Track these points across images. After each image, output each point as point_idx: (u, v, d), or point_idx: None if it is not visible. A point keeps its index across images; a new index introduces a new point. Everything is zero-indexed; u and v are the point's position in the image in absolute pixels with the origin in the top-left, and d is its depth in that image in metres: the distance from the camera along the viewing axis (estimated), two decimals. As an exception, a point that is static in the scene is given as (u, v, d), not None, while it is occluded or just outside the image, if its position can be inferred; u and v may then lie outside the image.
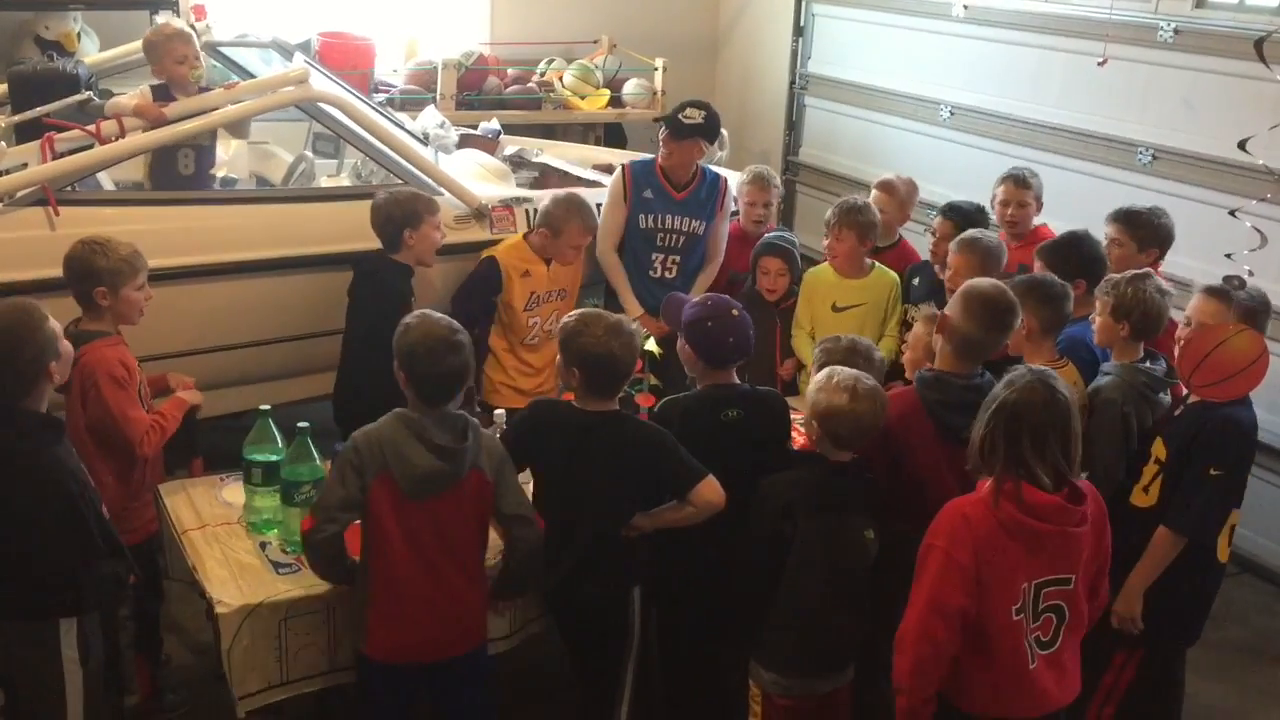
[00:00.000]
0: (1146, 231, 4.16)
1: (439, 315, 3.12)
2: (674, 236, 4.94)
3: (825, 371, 3.24)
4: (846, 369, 3.25)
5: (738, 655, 3.37)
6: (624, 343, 3.23)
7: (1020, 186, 4.71)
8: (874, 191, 5.10)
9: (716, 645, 3.51)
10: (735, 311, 3.49)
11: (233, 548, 3.35)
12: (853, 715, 3.35)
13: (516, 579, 3.25)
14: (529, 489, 3.32)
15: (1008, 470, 2.67)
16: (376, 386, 4.16)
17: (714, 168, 5.16)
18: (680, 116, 4.82)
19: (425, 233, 4.23)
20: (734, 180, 5.27)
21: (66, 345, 3.05)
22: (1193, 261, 4.68)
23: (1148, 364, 3.56)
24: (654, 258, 4.95)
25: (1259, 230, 4.43)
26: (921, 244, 5.14)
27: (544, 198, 4.74)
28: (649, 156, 5.14)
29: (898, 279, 4.68)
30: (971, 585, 2.65)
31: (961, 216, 4.64)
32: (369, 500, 2.99)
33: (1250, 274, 4.05)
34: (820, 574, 3.15)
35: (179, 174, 4.72)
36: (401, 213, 4.21)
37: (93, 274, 3.46)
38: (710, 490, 3.18)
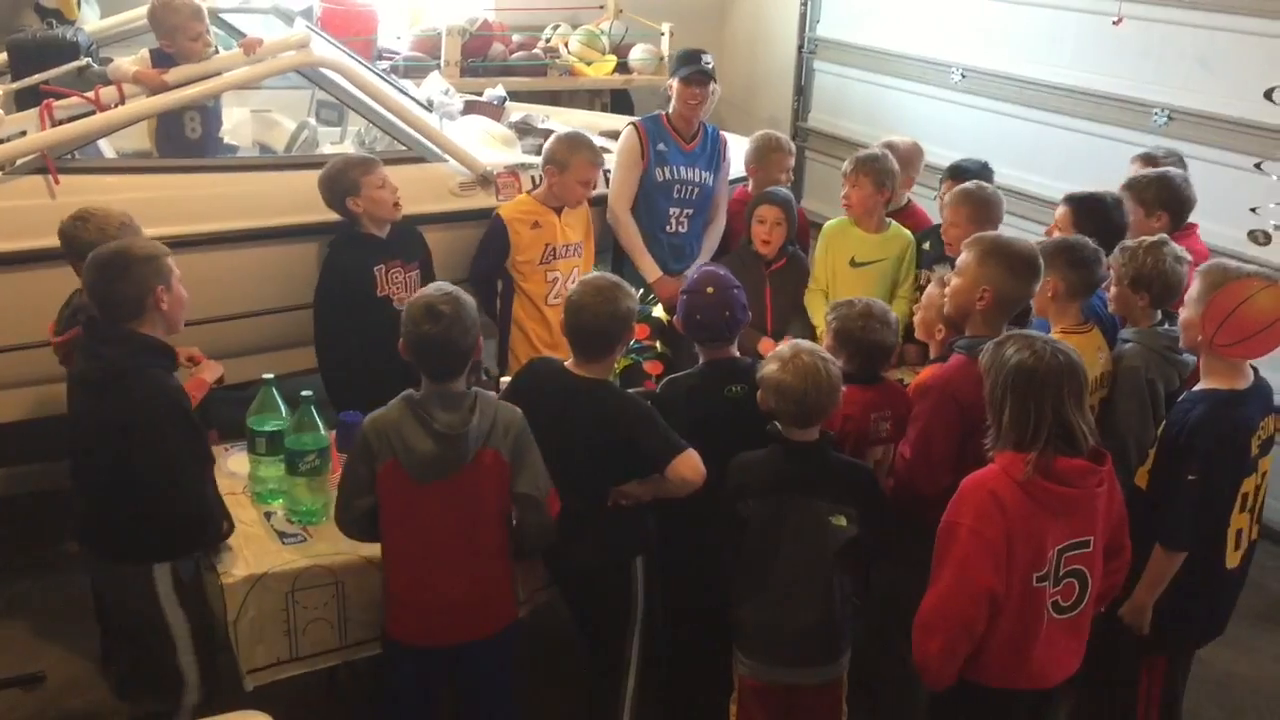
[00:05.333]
0: (1148, 194, 4.03)
1: (438, 284, 3.08)
2: (689, 188, 4.95)
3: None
4: (807, 343, 3.16)
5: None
6: (605, 304, 3.14)
7: (1148, 165, 4.44)
8: None
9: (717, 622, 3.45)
10: (710, 289, 3.43)
11: (238, 518, 3.30)
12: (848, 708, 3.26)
13: (523, 552, 3.21)
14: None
15: (1049, 442, 2.59)
16: (329, 358, 4.25)
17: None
18: (701, 65, 4.85)
19: (368, 195, 4.16)
20: (743, 145, 5.21)
21: (180, 289, 3.08)
22: (1209, 223, 4.58)
23: (1165, 325, 3.50)
24: (670, 212, 4.96)
25: (1284, 183, 4.34)
26: (932, 209, 5.07)
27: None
28: (654, 113, 5.10)
29: (913, 239, 4.62)
30: (1002, 564, 2.59)
31: (968, 177, 4.56)
32: (379, 484, 2.96)
33: (1277, 228, 3.98)
34: (776, 558, 3.07)
35: (186, 137, 4.67)
36: (339, 184, 4.16)
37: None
38: (686, 466, 3.10)
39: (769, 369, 3.08)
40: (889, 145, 5.06)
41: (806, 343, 3.18)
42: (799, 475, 3.07)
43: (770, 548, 3.07)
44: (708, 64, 4.85)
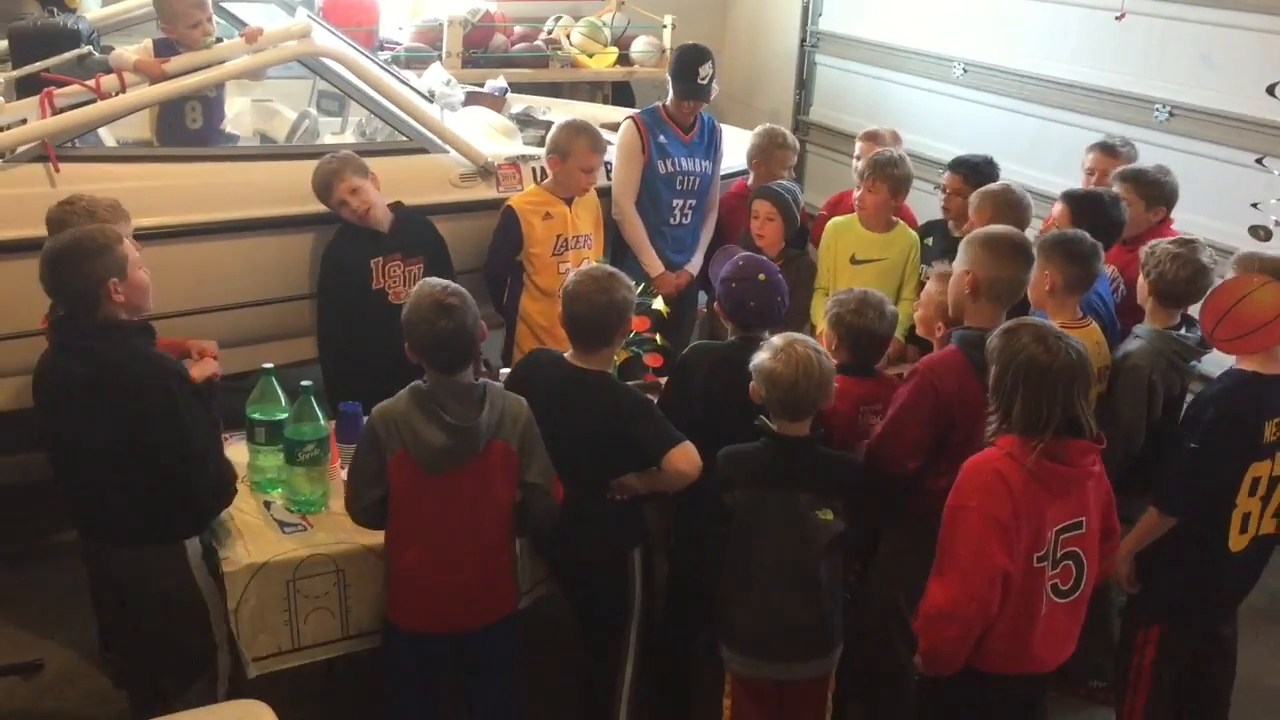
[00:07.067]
0: (1154, 190, 4.13)
1: (436, 280, 3.06)
2: (691, 179, 4.95)
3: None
4: (801, 335, 3.14)
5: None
6: (600, 293, 3.13)
7: (1108, 155, 4.55)
8: (858, 144, 5.03)
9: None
10: (762, 276, 3.44)
11: (237, 507, 3.30)
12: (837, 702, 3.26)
13: (527, 533, 3.24)
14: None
15: (1059, 431, 2.60)
16: (326, 349, 4.30)
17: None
18: (698, 81, 4.78)
19: (341, 198, 4.16)
20: (741, 139, 5.20)
21: (140, 275, 3.01)
22: (1209, 220, 4.62)
23: (1183, 331, 3.50)
24: (674, 204, 4.95)
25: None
26: (931, 203, 5.06)
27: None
28: (651, 105, 5.09)
29: (918, 240, 4.59)
30: (1011, 544, 2.60)
31: (970, 170, 4.56)
32: (390, 474, 2.98)
33: (1278, 223, 4.00)
34: (762, 551, 3.06)
35: (187, 127, 4.66)
36: (320, 187, 4.19)
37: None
38: (682, 459, 3.09)
39: (760, 357, 3.08)
40: (872, 135, 5.05)
41: (801, 335, 3.17)
42: (785, 469, 3.06)
43: (755, 541, 3.07)
44: (703, 79, 4.76)
